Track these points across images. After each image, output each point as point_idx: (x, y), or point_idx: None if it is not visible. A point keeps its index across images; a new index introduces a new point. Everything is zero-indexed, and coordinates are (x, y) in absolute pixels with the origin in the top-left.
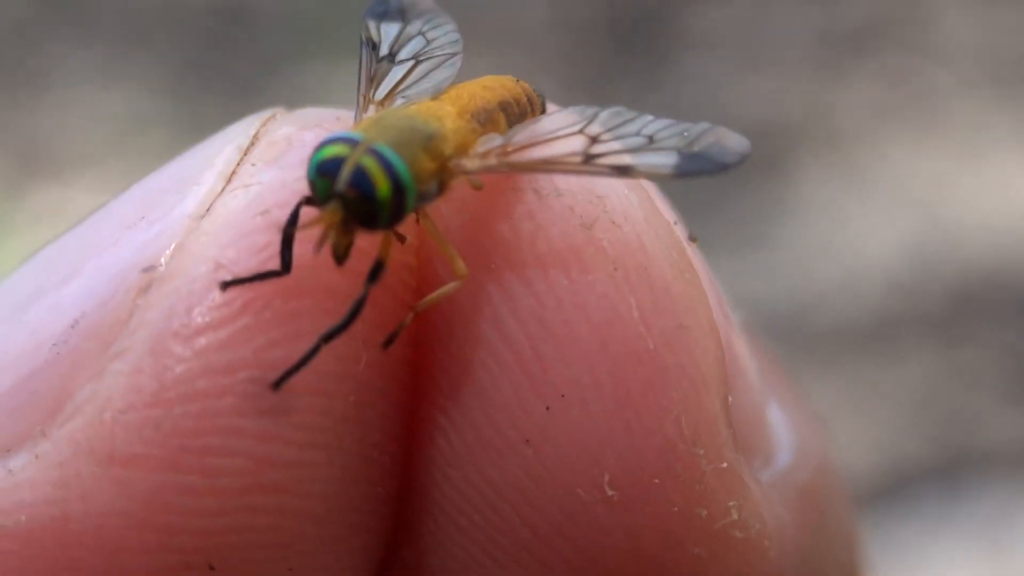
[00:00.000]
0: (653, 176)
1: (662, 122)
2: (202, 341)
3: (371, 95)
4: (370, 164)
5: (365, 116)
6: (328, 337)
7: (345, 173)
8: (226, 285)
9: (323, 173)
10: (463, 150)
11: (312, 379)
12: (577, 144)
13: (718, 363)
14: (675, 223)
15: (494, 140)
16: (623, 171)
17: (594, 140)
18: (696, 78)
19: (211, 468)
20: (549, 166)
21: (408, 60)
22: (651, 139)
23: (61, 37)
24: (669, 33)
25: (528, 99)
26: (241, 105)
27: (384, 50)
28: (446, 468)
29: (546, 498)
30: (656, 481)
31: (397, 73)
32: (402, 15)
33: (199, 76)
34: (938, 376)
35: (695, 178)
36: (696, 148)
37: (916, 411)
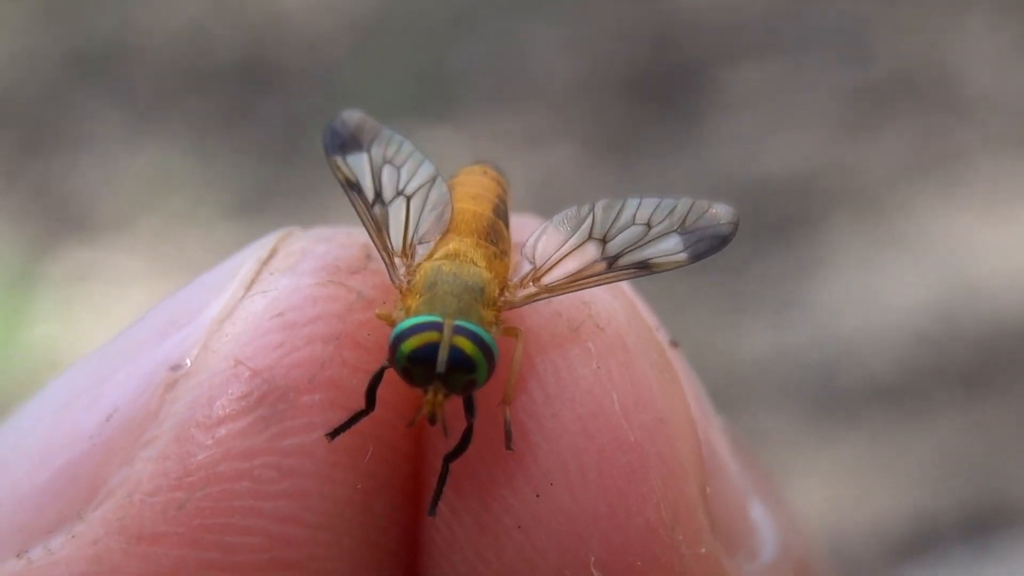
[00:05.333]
0: (672, 266)
1: (648, 203)
2: (222, 431)
3: (390, 247)
4: (463, 343)
5: (398, 274)
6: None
7: (443, 356)
8: (332, 436)
9: (419, 361)
10: (503, 283)
11: (323, 467)
12: (594, 251)
13: (695, 455)
14: (656, 328)
15: (523, 268)
16: (644, 267)
17: (604, 241)
18: (724, 137)
19: (229, 545)
20: (583, 282)
21: (397, 197)
22: (648, 226)
23: (89, 98)
24: (697, 92)
25: (501, 186)
26: (270, 167)
27: (369, 194)
28: (448, 552)
29: None
30: (639, 563)
31: (397, 217)
32: (358, 143)
33: (227, 136)
34: (965, 432)
35: (706, 258)
36: (692, 227)
37: (943, 467)
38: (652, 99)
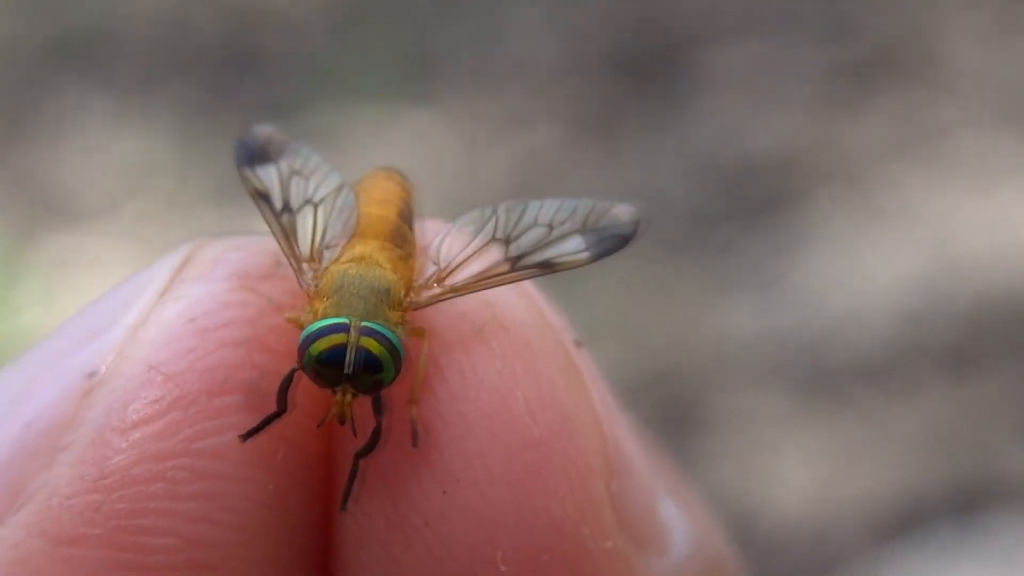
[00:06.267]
0: (574, 265)
1: (549, 204)
2: (136, 434)
3: (299, 253)
4: (370, 344)
5: (305, 277)
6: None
7: (351, 357)
8: (244, 438)
9: (327, 362)
10: (408, 285)
11: (236, 467)
12: (498, 253)
13: (601, 452)
14: (562, 329)
15: (428, 270)
16: (546, 267)
17: (507, 242)
18: (707, 116)
19: (146, 546)
20: (487, 282)
21: (306, 205)
22: (550, 227)
23: (71, 84)
24: (680, 71)
25: (406, 190)
26: None
27: (278, 203)
28: (358, 550)
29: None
30: (545, 557)
31: (305, 224)
32: (267, 155)
33: (209, 120)
34: (952, 410)
35: (607, 257)
36: (593, 227)
37: (930, 445)
38: (635, 79)
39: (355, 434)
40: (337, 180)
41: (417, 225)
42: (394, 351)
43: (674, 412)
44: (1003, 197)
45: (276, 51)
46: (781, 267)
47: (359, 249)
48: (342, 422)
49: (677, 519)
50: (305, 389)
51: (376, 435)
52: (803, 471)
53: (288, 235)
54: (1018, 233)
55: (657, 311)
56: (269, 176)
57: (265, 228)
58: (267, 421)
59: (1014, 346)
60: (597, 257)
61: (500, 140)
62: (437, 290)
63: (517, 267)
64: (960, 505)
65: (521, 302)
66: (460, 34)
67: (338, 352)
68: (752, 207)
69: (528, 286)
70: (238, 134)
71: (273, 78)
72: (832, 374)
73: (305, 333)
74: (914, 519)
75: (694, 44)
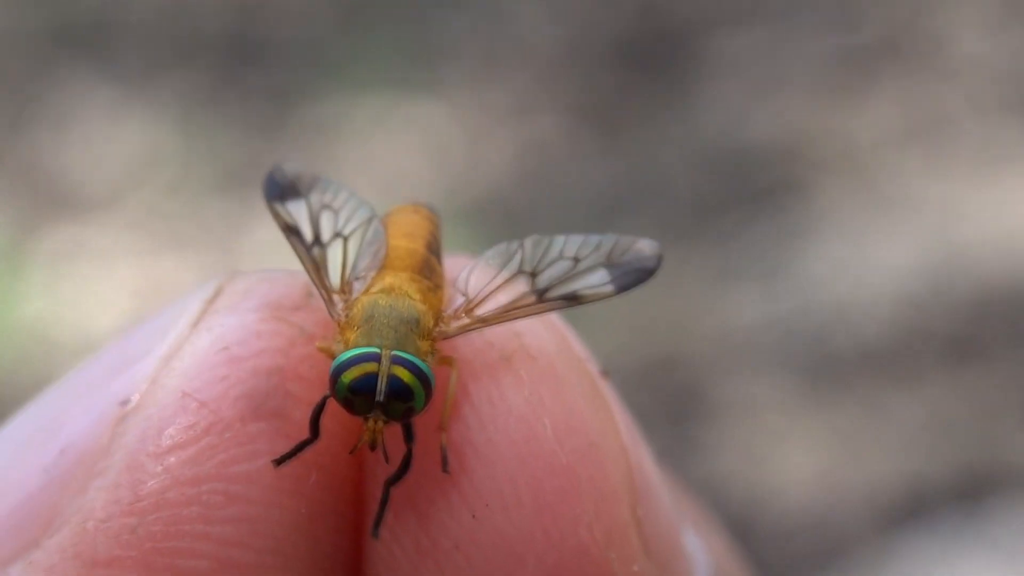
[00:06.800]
0: (599, 298)
1: (573, 239)
2: (171, 459)
3: (328, 284)
4: (401, 373)
5: (336, 309)
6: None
7: (382, 386)
8: (277, 463)
9: (359, 391)
10: (437, 315)
11: (269, 492)
12: (524, 285)
13: (627, 478)
14: (587, 359)
15: (456, 300)
16: (572, 299)
17: (534, 275)
18: (711, 104)
19: (180, 569)
20: (514, 313)
21: (336, 238)
22: (575, 260)
23: (75, 74)
24: (683, 59)
25: (433, 223)
26: (257, 142)
27: (308, 237)
28: (388, 574)
29: None
30: None
31: (335, 256)
32: (296, 191)
33: (214, 109)
34: (956, 397)
35: (631, 291)
36: (617, 261)
37: (934, 432)
38: (638, 66)
39: (387, 460)
40: (367, 213)
41: (445, 260)
42: (424, 379)
43: (678, 400)
44: (1006, 184)
45: (279, 40)
46: (785, 255)
47: (388, 280)
48: (373, 448)
49: (698, 547)
50: (336, 416)
51: (407, 461)
52: (807, 458)
53: (319, 267)
54: (1021, 220)
55: (661, 299)
56: (299, 210)
57: (294, 261)
58: (299, 448)
59: (1018, 333)
60: (621, 290)
61: (503, 129)
62: (466, 320)
63: (543, 299)
64: (964, 492)
65: (547, 332)
66: (463, 23)
67: (369, 380)
68: (756, 195)
69: (554, 317)
70: (267, 169)
71: (276, 67)
72: (836, 361)
73: (337, 362)
74: (918, 506)
75: (698, 32)
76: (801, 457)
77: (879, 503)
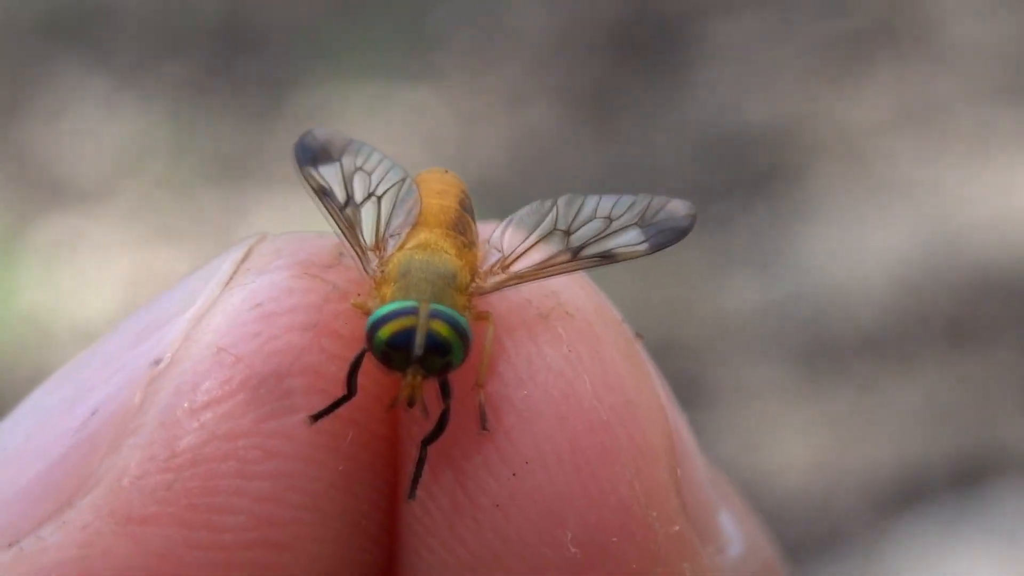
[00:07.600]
0: (632, 256)
1: (607, 199)
2: (207, 414)
3: (363, 242)
4: (439, 327)
5: (371, 266)
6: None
7: (420, 340)
8: (313, 419)
9: (397, 345)
10: (472, 271)
11: (306, 448)
12: (559, 243)
13: (666, 438)
14: (622, 321)
15: (492, 256)
16: (606, 257)
17: (568, 234)
18: (706, 90)
19: (216, 524)
20: (549, 270)
21: (369, 199)
22: (609, 219)
23: (67, 64)
24: (678, 45)
25: (461, 183)
26: (251, 131)
27: (340, 197)
28: (427, 536)
29: (516, 558)
30: (614, 539)
31: (368, 215)
32: (329, 155)
33: (206, 99)
34: (952, 382)
35: (664, 249)
36: (651, 220)
37: (930, 417)
38: (632, 53)
39: (425, 415)
40: (400, 174)
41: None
42: (462, 333)
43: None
44: (1001, 169)
45: (273, 28)
46: (780, 241)
47: (424, 236)
48: (411, 404)
49: (731, 523)
50: (371, 374)
51: (444, 419)
52: (804, 443)
53: (352, 226)
54: (1016, 204)
55: (657, 285)
56: (332, 174)
57: (324, 224)
58: (336, 404)
59: (1013, 317)
60: (655, 249)
61: (498, 116)
62: (501, 276)
63: (578, 257)
64: (961, 476)
65: (584, 292)
66: (457, 11)
67: (407, 335)
68: (751, 181)
69: (587, 279)
70: (297, 136)
71: (270, 56)
72: (832, 346)
73: (374, 317)
74: (915, 490)
75: (691, 18)
76: (798, 442)
77: (876, 488)
